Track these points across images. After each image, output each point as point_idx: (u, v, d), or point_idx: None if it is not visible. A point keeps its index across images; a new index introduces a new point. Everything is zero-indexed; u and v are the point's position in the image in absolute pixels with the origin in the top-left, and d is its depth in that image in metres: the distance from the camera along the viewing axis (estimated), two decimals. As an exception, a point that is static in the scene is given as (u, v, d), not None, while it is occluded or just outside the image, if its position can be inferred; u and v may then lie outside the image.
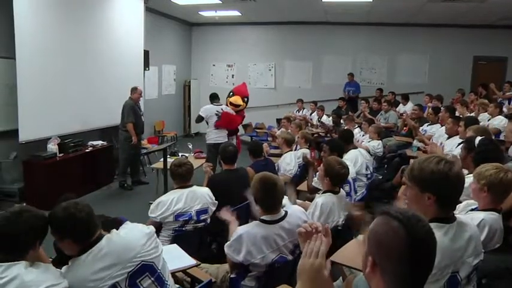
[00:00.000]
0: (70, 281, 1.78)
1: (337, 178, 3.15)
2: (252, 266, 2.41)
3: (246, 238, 2.35)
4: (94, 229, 1.87)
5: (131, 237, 1.96)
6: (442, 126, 5.78)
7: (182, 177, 3.26)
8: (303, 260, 1.20)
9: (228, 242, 2.42)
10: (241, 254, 2.35)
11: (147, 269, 1.91)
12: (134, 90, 6.62)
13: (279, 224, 2.43)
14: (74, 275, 1.80)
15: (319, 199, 3.10)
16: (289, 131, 6.40)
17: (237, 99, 7.00)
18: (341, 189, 3.30)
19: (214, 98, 6.65)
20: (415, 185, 1.68)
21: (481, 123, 5.71)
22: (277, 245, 2.40)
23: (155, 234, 2.06)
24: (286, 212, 2.51)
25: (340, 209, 3.17)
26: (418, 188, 1.67)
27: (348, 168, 3.25)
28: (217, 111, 6.36)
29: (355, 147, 4.90)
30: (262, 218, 2.46)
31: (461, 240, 1.67)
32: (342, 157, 4.16)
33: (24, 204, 2.00)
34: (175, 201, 3.13)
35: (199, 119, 6.47)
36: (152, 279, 1.92)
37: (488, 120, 5.77)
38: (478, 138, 3.20)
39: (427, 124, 6.43)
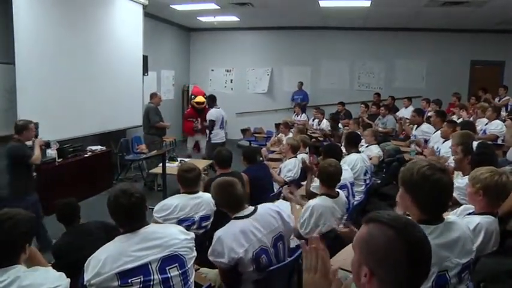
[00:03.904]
0: (110, 252, 1.94)
1: (328, 178, 3.18)
2: (240, 265, 2.42)
3: (225, 237, 2.40)
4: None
5: (172, 229, 2.18)
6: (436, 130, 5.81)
7: (191, 182, 3.23)
8: (304, 275, 1.23)
9: (209, 249, 2.44)
10: (225, 255, 2.37)
11: (178, 260, 2.06)
12: (154, 95, 7.19)
13: (252, 217, 2.50)
14: (115, 247, 1.98)
15: (312, 201, 3.14)
16: (291, 135, 6.42)
17: (201, 98, 7.98)
18: (340, 193, 3.29)
19: (215, 100, 7.62)
20: (401, 185, 1.77)
21: (478, 127, 5.76)
22: (256, 236, 2.44)
23: (193, 241, 2.21)
24: (256, 208, 2.58)
25: (337, 213, 3.17)
26: (403, 188, 1.76)
27: (339, 167, 3.26)
28: (222, 114, 7.47)
29: (358, 152, 4.89)
30: (235, 215, 2.53)
31: (446, 239, 1.68)
32: (339, 161, 4.16)
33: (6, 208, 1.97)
34: (179, 207, 3.10)
35: (213, 124, 7.30)
36: (179, 271, 2.05)
37: (485, 125, 5.79)
38: (475, 143, 3.23)
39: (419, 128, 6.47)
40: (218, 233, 2.44)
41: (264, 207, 2.61)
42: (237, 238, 2.39)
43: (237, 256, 2.37)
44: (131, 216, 2.05)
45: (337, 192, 3.27)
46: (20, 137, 4.26)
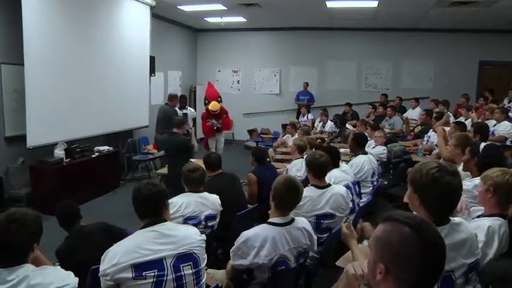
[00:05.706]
0: (128, 245, 1.99)
1: (315, 169, 3.23)
2: (256, 270, 2.41)
3: (254, 241, 2.36)
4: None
5: (189, 230, 2.20)
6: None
7: (196, 182, 3.27)
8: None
9: (233, 247, 2.42)
10: (249, 257, 2.35)
11: (192, 259, 2.09)
12: (175, 97, 7.13)
13: (286, 228, 2.45)
14: (133, 240, 2.02)
15: None
16: (297, 136, 6.41)
17: (215, 105, 7.55)
18: (335, 187, 3.29)
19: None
20: (410, 185, 1.76)
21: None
22: (283, 247, 2.42)
23: (205, 243, 2.22)
24: (293, 218, 2.52)
25: (326, 202, 3.12)
26: (411, 188, 1.75)
27: (325, 156, 3.28)
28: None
29: (365, 153, 4.87)
30: (270, 220, 2.48)
31: (452, 240, 1.68)
32: (338, 163, 4.12)
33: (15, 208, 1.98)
34: (184, 205, 3.13)
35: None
36: (193, 270, 2.07)
37: (493, 126, 5.74)
38: (483, 144, 3.20)
39: (431, 130, 6.41)
40: (247, 234, 2.41)
41: (300, 222, 2.57)
42: (266, 245, 2.36)
43: (260, 262, 2.36)
44: (152, 206, 2.09)
45: (328, 183, 3.26)
46: (178, 131, 5.27)
